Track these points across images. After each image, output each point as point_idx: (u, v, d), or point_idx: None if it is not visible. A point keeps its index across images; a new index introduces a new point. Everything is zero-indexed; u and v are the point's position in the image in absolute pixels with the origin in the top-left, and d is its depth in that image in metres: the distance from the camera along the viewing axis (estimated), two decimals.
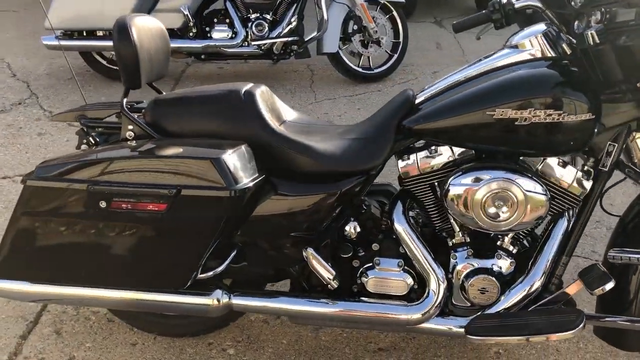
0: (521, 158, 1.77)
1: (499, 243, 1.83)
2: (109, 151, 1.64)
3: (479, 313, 1.80)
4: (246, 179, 1.61)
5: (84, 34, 4.30)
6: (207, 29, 4.36)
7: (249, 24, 4.31)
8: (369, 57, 4.60)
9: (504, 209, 1.68)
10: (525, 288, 1.77)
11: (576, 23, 1.78)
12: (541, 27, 1.77)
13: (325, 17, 4.15)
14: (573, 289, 1.77)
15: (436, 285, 1.78)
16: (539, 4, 1.85)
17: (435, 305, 1.78)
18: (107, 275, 1.71)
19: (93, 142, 1.84)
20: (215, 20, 4.37)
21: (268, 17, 4.34)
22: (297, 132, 1.81)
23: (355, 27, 4.45)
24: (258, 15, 4.34)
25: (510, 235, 1.82)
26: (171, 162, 1.57)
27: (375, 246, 1.86)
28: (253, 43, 4.27)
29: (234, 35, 4.32)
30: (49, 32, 4.30)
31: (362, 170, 1.77)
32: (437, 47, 5.64)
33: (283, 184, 1.75)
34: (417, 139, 1.81)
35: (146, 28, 1.81)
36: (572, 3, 1.80)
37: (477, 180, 1.69)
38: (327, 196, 1.75)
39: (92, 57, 4.45)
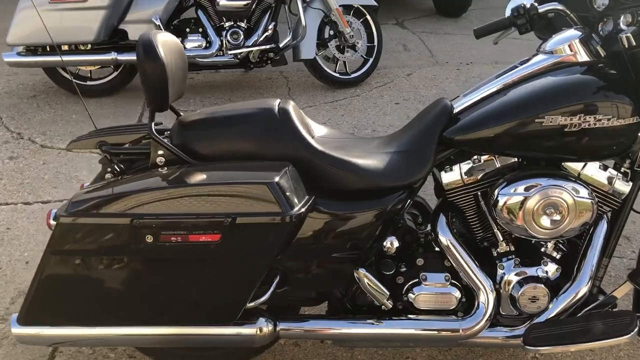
0: (563, 164, 1.76)
1: (542, 250, 1.82)
2: (147, 180, 1.52)
3: (530, 322, 1.78)
4: (299, 202, 1.53)
5: (48, 49, 4.06)
6: (180, 39, 4.20)
7: (224, 33, 4.19)
8: (345, 62, 4.56)
9: (555, 215, 1.67)
10: (573, 294, 1.76)
11: (600, 26, 1.80)
12: (575, 32, 1.76)
13: (304, 23, 4.08)
14: (621, 291, 1.78)
15: (485, 297, 1.75)
16: (563, 8, 1.85)
17: (487, 317, 1.75)
18: (149, 313, 1.59)
19: (118, 170, 1.71)
20: (188, 29, 4.22)
21: (242, 25, 4.24)
22: (334, 148, 1.74)
23: (332, 32, 4.41)
24: (232, 23, 4.22)
25: (554, 240, 1.81)
26: (222, 188, 1.47)
27: (419, 261, 1.81)
28: (230, 52, 4.15)
29: (208, 45, 4.19)
30: (8, 48, 4.07)
31: (406, 185, 1.72)
32: (405, 48, 5.66)
33: (327, 203, 1.67)
34: (457, 149, 1.78)
35: (168, 44, 1.70)
36: (595, 6, 1.81)
37: (527, 189, 1.66)
38: (375, 213, 1.69)
39: (56, 72, 4.21)
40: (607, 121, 1.61)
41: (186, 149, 1.69)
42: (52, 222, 1.72)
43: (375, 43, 4.62)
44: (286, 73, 4.85)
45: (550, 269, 1.79)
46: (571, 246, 1.87)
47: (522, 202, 1.66)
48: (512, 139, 1.67)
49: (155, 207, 1.45)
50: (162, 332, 1.62)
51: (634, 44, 1.66)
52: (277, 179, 1.49)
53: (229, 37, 4.18)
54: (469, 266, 1.75)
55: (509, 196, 1.68)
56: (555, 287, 1.79)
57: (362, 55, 4.60)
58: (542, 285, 1.75)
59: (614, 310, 1.77)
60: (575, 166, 1.75)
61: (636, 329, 1.69)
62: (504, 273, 1.79)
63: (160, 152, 1.67)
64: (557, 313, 1.77)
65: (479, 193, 1.77)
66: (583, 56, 1.72)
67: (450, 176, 1.76)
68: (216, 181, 1.48)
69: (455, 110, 1.77)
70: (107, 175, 1.71)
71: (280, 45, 4.27)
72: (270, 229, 1.48)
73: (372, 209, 1.69)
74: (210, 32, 4.18)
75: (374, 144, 1.84)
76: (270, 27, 4.21)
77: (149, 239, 1.46)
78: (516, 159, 1.75)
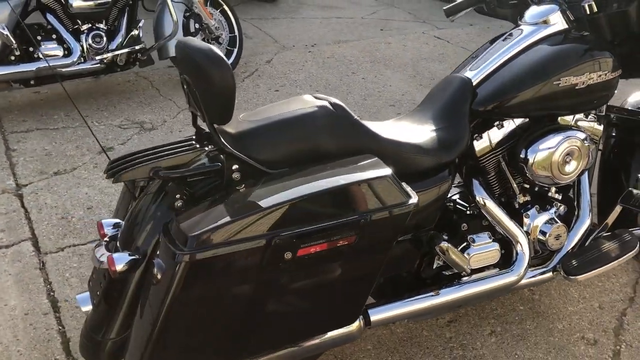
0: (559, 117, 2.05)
1: (549, 194, 2.10)
2: (263, 196, 1.41)
3: (553, 258, 2.06)
4: (407, 189, 1.56)
5: None
6: (31, 49, 3.67)
7: (82, 37, 3.77)
8: None
9: (572, 162, 1.94)
10: (582, 226, 2.09)
11: None
12: (552, 5, 2.02)
13: (175, 18, 3.86)
14: (612, 217, 2.15)
15: (521, 245, 1.97)
16: None
17: (527, 262, 1.98)
18: (277, 335, 1.49)
19: (187, 194, 1.54)
20: (39, 37, 3.70)
21: (102, 26, 3.85)
22: (386, 133, 1.78)
23: (197, 25, 4.23)
24: (90, 26, 3.81)
25: (554, 186, 2.10)
26: (348, 189, 1.44)
27: (463, 226, 1.96)
28: (97, 58, 3.76)
29: (67, 53, 3.73)
30: None
31: (454, 158, 1.85)
32: (246, 36, 5.64)
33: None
34: (481, 119, 1.95)
35: None
36: None
37: (552, 143, 1.91)
38: (441, 187, 1.80)
39: None
40: (604, 76, 1.93)
41: (252, 159, 1.59)
42: (119, 268, 1.51)
43: (236, 33, 4.56)
44: (143, 74, 4.52)
45: (561, 209, 2.08)
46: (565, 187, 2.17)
47: (549, 155, 1.91)
48: (534, 101, 1.89)
49: (290, 221, 1.37)
50: (280, 354, 1.54)
51: (595, 10, 1.98)
52: (389, 170, 1.51)
53: (90, 41, 3.77)
54: (506, 221, 1.95)
55: (537, 152, 1.91)
56: (566, 223, 2.08)
57: (226, 47, 4.51)
58: (561, 223, 2.03)
59: (613, 232, 2.14)
60: (567, 118, 2.05)
61: (638, 243, 2.07)
62: (530, 221, 2.03)
63: (235, 166, 1.55)
64: (573, 245, 2.07)
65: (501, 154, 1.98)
66: (564, 24, 2.00)
67: (482, 144, 1.94)
68: (338, 184, 1.44)
69: (474, 83, 1.94)
70: (177, 203, 1.53)
71: (146, 45, 3.98)
72: (394, 220, 1.50)
73: (440, 184, 1.79)
74: (67, 37, 3.72)
75: (409, 123, 1.91)
76: (139, 25, 3.90)
77: (288, 255, 1.37)
78: (527, 119, 1.99)
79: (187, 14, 4.19)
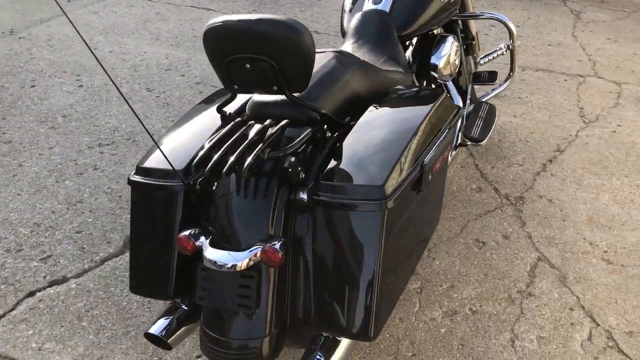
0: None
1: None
2: (381, 136, 1.56)
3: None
4: None
5: None
6: None
7: None
8: None
9: (457, 59, 2.54)
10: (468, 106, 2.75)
11: None
12: None
13: None
14: (469, 94, 2.85)
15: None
16: None
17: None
18: (421, 245, 1.74)
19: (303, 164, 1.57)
20: None
21: None
22: (378, 65, 2.04)
23: None
24: None
25: None
26: (434, 113, 1.69)
27: None
28: None
29: None
30: None
31: None
32: (12, 33, 4.58)
33: None
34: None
35: None
36: None
37: (447, 49, 2.46)
38: None
39: None
40: None
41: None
42: (282, 255, 1.50)
43: None
44: None
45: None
46: None
47: (449, 58, 2.45)
48: (430, 19, 2.38)
49: (421, 148, 1.59)
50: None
51: None
52: (442, 90, 1.83)
53: None
54: None
55: (441, 58, 2.43)
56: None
57: None
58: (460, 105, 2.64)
59: (473, 104, 2.85)
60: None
61: (495, 107, 2.84)
62: None
63: (325, 126, 1.64)
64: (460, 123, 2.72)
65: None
66: None
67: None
68: (428, 110, 1.68)
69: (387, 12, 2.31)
70: (302, 175, 1.55)
71: None
72: (456, 122, 1.84)
73: None
74: None
75: (370, 56, 2.15)
76: None
77: (430, 177, 1.60)
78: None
79: None
